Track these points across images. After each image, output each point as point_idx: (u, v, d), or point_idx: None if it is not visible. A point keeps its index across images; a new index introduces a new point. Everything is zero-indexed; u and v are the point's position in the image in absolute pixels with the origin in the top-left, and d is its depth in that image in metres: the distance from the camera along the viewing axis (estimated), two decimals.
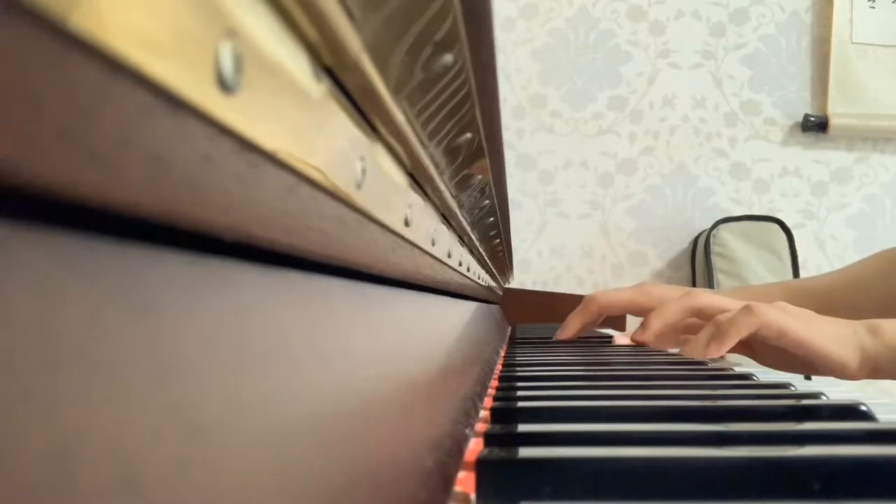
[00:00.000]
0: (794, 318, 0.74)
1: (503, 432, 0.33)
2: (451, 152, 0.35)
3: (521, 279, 2.09)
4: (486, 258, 0.81)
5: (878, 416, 0.38)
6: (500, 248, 0.91)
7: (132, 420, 0.10)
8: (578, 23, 2.12)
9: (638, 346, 0.87)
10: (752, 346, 0.83)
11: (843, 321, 0.77)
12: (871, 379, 0.76)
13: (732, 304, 0.80)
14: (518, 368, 0.63)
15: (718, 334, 0.74)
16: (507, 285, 1.64)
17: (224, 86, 0.11)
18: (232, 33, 0.12)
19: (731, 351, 0.85)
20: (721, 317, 0.75)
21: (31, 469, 0.08)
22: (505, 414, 0.39)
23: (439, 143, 0.32)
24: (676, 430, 0.33)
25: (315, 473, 0.15)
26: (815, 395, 0.44)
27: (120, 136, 0.10)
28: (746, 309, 0.74)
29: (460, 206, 0.46)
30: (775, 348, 0.77)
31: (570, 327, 0.93)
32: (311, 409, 0.17)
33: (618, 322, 1.40)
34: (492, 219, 0.65)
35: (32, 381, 0.08)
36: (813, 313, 0.78)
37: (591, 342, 0.95)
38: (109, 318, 0.10)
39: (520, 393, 0.46)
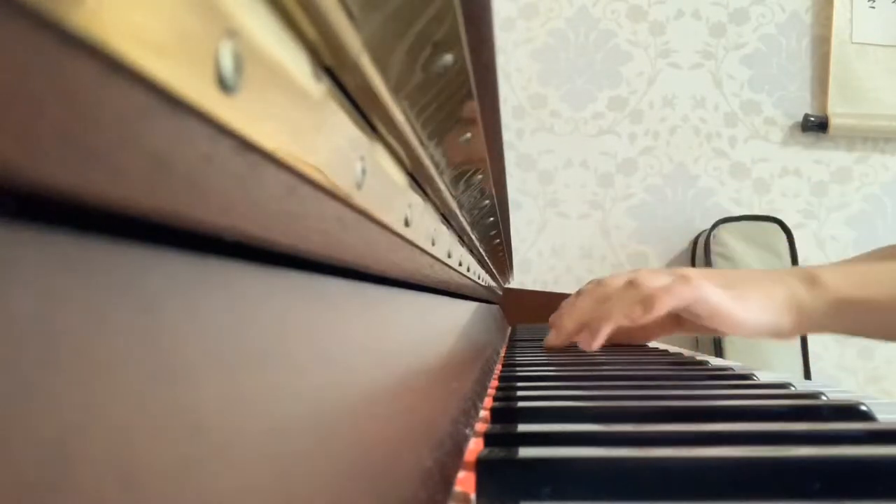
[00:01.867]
0: (724, 291, 0.71)
1: (503, 432, 0.33)
2: (451, 152, 0.35)
3: (521, 279, 2.09)
4: (486, 258, 0.81)
5: (878, 416, 0.38)
6: (500, 248, 0.91)
7: (132, 420, 0.10)
8: (578, 23, 2.12)
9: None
10: (680, 322, 0.80)
11: (778, 276, 0.74)
12: (813, 333, 0.74)
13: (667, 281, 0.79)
14: (518, 368, 0.63)
15: (649, 300, 0.71)
16: (507, 285, 1.64)
17: (224, 86, 0.11)
18: (232, 33, 0.12)
19: (657, 331, 0.82)
20: (654, 282, 0.72)
21: (30, 468, 0.08)
22: (505, 414, 0.39)
23: (439, 143, 0.32)
24: (676, 430, 0.33)
25: (315, 473, 0.16)
26: (815, 395, 0.44)
27: (120, 136, 0.10)
28: (684, 278, 0.71)
29: (460, 206, 0.46)
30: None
31: (565, 331, 0.90)
32: (311, 408, 0.17)
33: None
34: (492, 219, 0.65)
35: (32, 380, 0.08)
36: (742, 276, 0.75)
37: None
38: (109, 318, 0.10)
39: (520, 393, 0.46)
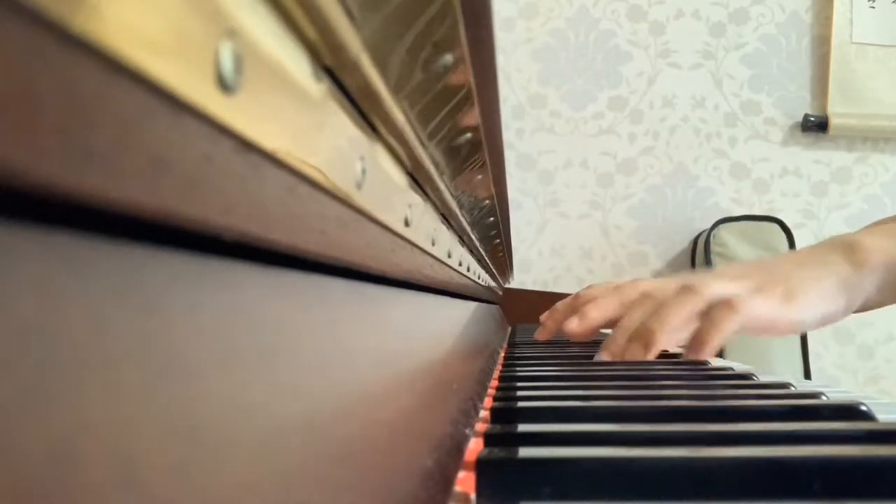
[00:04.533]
0: (774, 296, 0.69)
1: (503, 432, 0.33)
2: (451, 152, 0.35)
3: (521, 279, 2.09)
4: (486, 258, 0.81)
5: (878, 416, 0.38)
6: (500, 248, 0.91)
7: (132, 420, 0.10)
8: (578, 23, 2.12)
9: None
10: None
11: (820, 257, 0.72)
12: (867, 310, 0.72)
13: (666, 285, 0.76)
14: (518, 368, 0.63)
15: (697, 343, 0.69)
16: (507, 285, 1.64)
17: (224, 86, 0.11)
18: (232, 33, 0.12)
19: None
20: (702, 315, 0.69)
21: (31, 469, 0.08)
22: (505, 414, 0.39)
23: (439, 143, 0.32)
24: (676, 430, 0.33)
25: (316, 473, 0.16)
26: (815, 395, 0.44)
27: (120, 136, 0.10)
28: (727, 306, 0.67)
29: (460, 206, 0.46)
30: None
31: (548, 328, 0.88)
32: (311, 409, 0.17)
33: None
34: (492, 219, 0.65)
35: (32, 381, 0.08)
36: (785, 268, 0.72)
37: (591, 343, 0.95)
38: (109, 318, 0.10)
39: (520, 393, 0.46)
